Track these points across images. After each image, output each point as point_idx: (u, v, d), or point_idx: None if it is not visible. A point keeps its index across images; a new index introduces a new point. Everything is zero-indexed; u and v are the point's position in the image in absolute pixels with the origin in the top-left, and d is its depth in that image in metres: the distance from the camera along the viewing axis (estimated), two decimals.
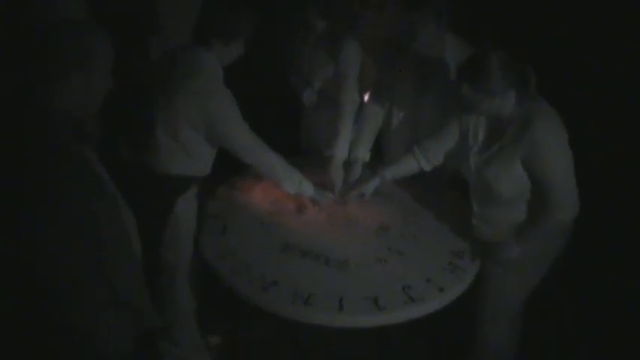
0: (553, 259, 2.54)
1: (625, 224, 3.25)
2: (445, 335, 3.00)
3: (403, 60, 2.90)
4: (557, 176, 2.31)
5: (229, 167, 2.78)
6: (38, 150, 1.62)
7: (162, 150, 2.53)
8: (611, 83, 3.35)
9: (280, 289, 2.33)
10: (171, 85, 2.47)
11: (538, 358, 3.06)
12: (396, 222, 2.76)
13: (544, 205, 2.34)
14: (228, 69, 2.56)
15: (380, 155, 3.15)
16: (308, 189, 2.75)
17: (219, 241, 2.60)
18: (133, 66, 2.93)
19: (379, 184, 2.83)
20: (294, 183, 2.70)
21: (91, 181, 1.69)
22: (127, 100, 2.61)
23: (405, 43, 2.78)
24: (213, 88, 2.47)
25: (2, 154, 1.64)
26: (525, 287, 2.59)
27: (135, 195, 1.96)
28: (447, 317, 2.47)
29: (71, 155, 1.65)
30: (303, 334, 3.07)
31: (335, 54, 3.06)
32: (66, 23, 1.76)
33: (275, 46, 3.43)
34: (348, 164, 2.99)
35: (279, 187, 2.73)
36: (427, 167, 2.75)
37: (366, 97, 3.16)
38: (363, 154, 3.01)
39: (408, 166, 2.78)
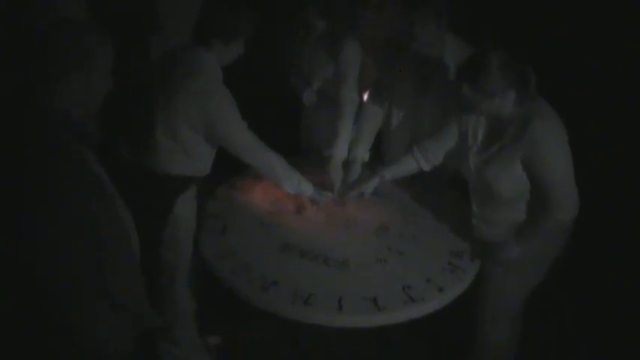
0: (553, 259, 2.54)
1: (625, 224, 3.25)
2: (445, 335, 3.00)
3: (403, 60, 2.90)
4: (556, 176, 2.31)
5: (229, 167, 2.77)
6: (38, 150, 1.62)
7: (162, 150, 2.53)
8: (611, 83, 3.35)
9: (280, 289, 2.33)
10: (171, 85, 2.47)
11: (538, 358, 3.06)
12: (395, 222, 2.76)
13: (544, 205, 2.34)
14: (228, 69, 2.55)
15: (379, 155, 3.15)
16: (307, 189, 2.75)
17: (218, 241, 2.60)
18: (133, 66, 2.93)
19: (378, 184, 2.83)
20: (294, 183, 2.70)
21: (91, 181, 1.69)
22: (127, 100, 2.61)
23: (405, 43, 2.78)
24: (213, 88, 2.47)
25: (2, 154, 1.64)
26: (525, 287, 2.59)
27: (134, 195, 1.96)
28: (447, 317, 2.47)
29: (71, 155, 1.65)
30: (302, 334, 3.07)
31: (335, 54, 3.06)
32: (66, 23, 1.76)
33: (275, 46, 3.43)
34: (347, 164, 2.99)
35: (278, 187, 2.73)
36: (426, 167, 2.75)
37: (365, 97, 3.16)
38: (363, 154, 3.01)
39: (408, 166, 2.78)
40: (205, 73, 2.47)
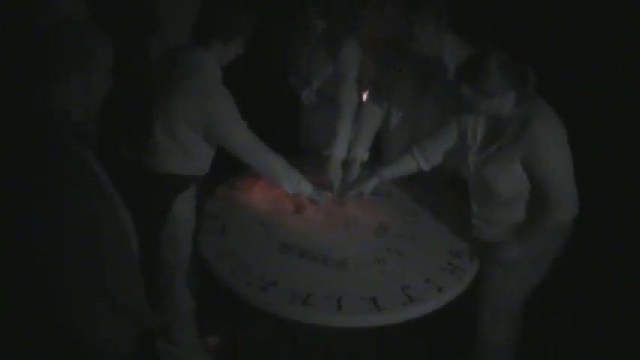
0: (552, 259, 2.54)
1: (625, 224, 3.25)
2: (444, 335, 3.00)
3: (403, 60, 2.90)
4: (556, 176, 2.31)
5: (228, 167, 2.77)
6: (38, 150, 1.62)
7: (161, 150, 2.54)
8: (611, 83, 3.34)
9: (279, 289, 2.33)
10: (171, 84, 2.47)
11: (537, 359, 3.06)
12: (394, 222, 2.76)
13: (543, 205, 2.35)
14: (228, 69, 2.56)
15: (378, 155, 3.15)
16: (306, 189, 2.75)
17: (218, 241, 2.60)
18: (133, 66, 2.93)
19: (378, 184, 2.83)
20: (293, 183, 2.70)
21: (91, 181, 1.69)
22: (127, 100, 2.61)
23: (405, 43, 2.78)
24: (212, 88, 2.47)
25: (2, 154, 1.64)
26: (524, 287, 2.59)
27: (134, 195, 1.96)
28: (446, 317, 2.47)
29: (71, 155, 1.65)
30: (302, 334, 3.07)
31: (335, 54, 3.06)
32: (66, 23, 1.76)
33: (275, 46, 3.42)
34: (346, 164, 2.99)
35: (277, 187, 2.73)
36: (426, 167, 2.75)
37: (364, 97, 3.16)
38: (362, 153, 3.01)
39: (407, 166, 2.77)
40: (204, 73, 2.48)
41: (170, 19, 3.27)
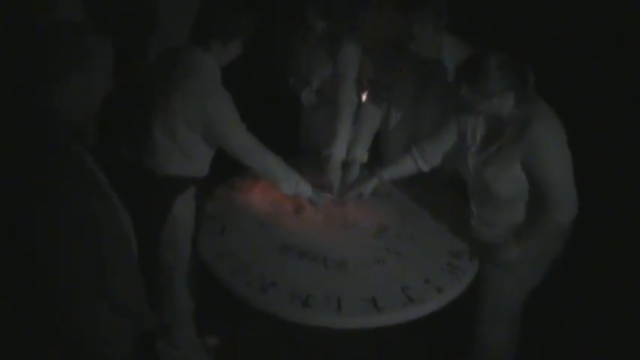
0: (552, 259, 2.54)
1: (624, 224, 3.25)
2: (444, 336, 3.00)
3: (402, 60, 2.90)
4: (555, 177, 2.31)
5: (228, 168, 2.77)
6: (38, 150, 1.62)
7: (161, 150, 2.53)
8: (611, 83, 3.34)
9: (279, 290, 2.33)
10: (170, 85, 2.47)
11: (537, 359, 3.06)
12: (394, 223, 2.76)
13: (543, 206, 2.35)
14: (227, 69, 2.55)
15: (378, 156, 3.15)
16: (306, 190, 2.75)
17: (217, 241, 2.60)
18: (132, 66, 2.93)
19: (377, 185, 2.83)
20: (292, 184, 2.70)
21: (91, 181, 1.69)
22: (127, 100, 2.61)
23: (405, 44, 2.78)
24: (211, 89, 2.47)
25: (2, 154, 1.64)
26: (524, 288, 2.59)
27: (133, 195, 1.96)
28: (446, 318, 2.48)
29: (71, 155, 1.65)
30: (301, 334, 3.07)
31: (334, 54, 3.06)
32: (66, 24, 1.76)
33: (275, 46, 3.42)
34: (346, 165, 2.99)
35: (276, 187, 2.73)
36: (425, 168, 2.75)
37: (364, 98, 3.16)
38: (361, 154, 3.01)
39: (406, 166, 2.78)
40: (203, 73, 2.47)
41: (170, 19, 3.27)
